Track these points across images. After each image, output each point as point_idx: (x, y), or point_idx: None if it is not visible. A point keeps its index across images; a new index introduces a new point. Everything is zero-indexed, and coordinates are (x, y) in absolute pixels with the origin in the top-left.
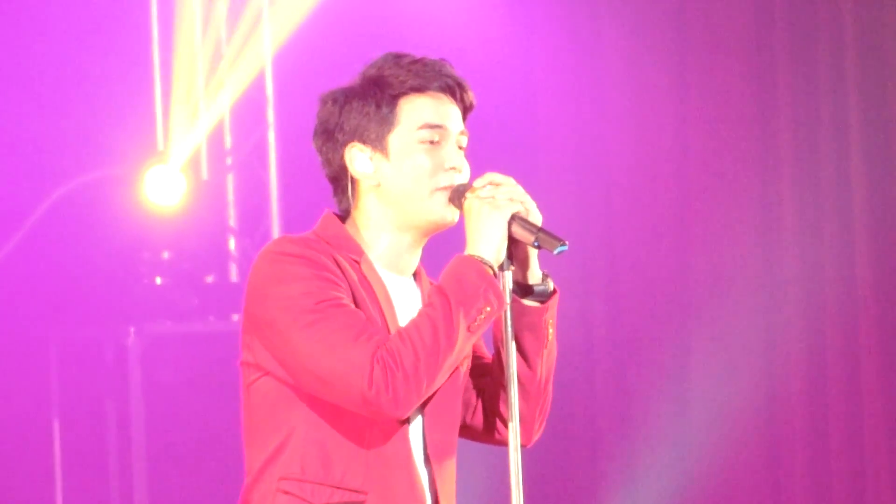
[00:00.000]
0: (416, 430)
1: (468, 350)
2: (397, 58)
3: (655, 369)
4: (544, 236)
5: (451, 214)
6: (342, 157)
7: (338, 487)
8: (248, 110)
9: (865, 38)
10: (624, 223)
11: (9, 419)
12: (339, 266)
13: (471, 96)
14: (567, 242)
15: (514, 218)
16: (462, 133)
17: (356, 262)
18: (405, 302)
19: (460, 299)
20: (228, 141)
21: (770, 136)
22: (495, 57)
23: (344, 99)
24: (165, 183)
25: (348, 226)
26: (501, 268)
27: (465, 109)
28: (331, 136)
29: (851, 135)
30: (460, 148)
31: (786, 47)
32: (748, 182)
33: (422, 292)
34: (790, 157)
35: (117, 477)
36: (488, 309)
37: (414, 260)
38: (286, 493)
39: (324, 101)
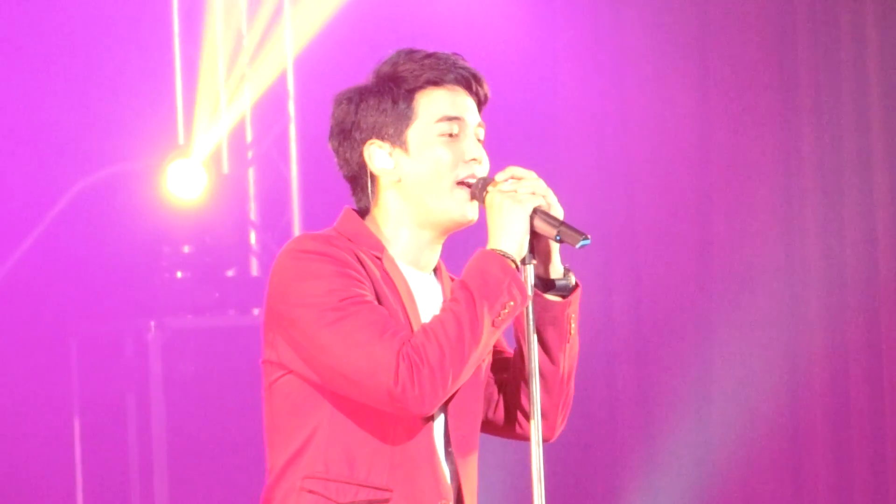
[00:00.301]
0: (438, 426)
1: (492, 345)
2: (410, 53)
3: (677, 365)
4: (566, 230)
5: (472, 212)
6: (361, 155)
7: (363, 485)
8: (270, 104)
9: (888, 31)
10: (645, 218)
11: (30, 413)
12: (361, 263)
13: (486, 88)
14: (589, 237)
15: (536, 212)
16: (479, 125)
17: (378, 258)
18: (427, 298)
19: (484, 293)
20: (249, 135)
21: (792, 132)
22: (517, 53)
23: (359, 97)
24: (187, 177)
25: (368, 222)
26: (524, 262)
27: (481, 101)
28: (348, 136)
29: (874, 131)
30: (478, 140)
31: (808, 43)
32: (770, 178)
33: (443, 288)
34: (812, 153)
35: (137, 471)
36: (512, 303)
37: (434, 256)
38: (310, 491)
39: (338, 101)
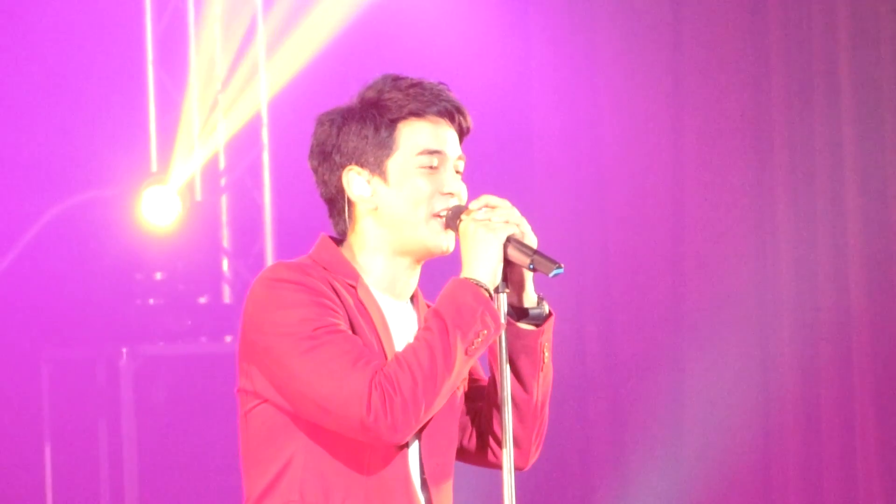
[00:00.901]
0: (413, 454)
1: (465, 373)
2: (396, 80)
3: (650, 390)
4: (540, 259)
5: (447, 242)
6: (339, 179)
7: None
8: (244, 132)
9: (860, 43)
10: (619, 242)
11: (0, 438)
12: (335, 291)
13: (468, 121)
14: (562, 265)
15: (510, 240)
16: (460, 158)
17: (353, 286)
18: (402, 326)
19: (457, 323)
20: (222, 162)
21: (764, 148)
22: (489, 77)
23: (342, 121)
24: (162, 204)
25: (344, 249)
26: (497, 290)
27: (462, 133)
28: (328, 157)
29: (845, 143)
30: (457, 172)
31: (780, 55)
32: (743, 197)
33: (419, 316)
34: (784, 170)
35: (108, 497)
36: (485, 332)
37: (410, 284)
38: None
39: (321, 122)
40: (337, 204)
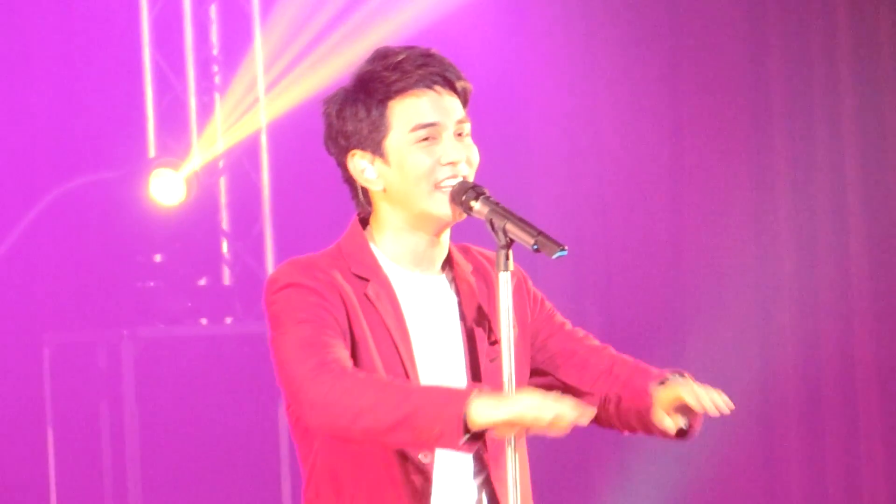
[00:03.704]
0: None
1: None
2: (384, 57)
3: None
4: (543, 240)
5: (455, 212)
6: (347, 165)
7: None
8: (240, 113)
9: (859, 42)
10: (618, 231)
11: (2, 422)
12: (339, 290)
13: (462, 83)
14: (566, 247)
15: (513, 218)
16: (461, 121)
17: (365, 281)
18: (431, 299)
19: (424, 420)
20: (220, 137)
21: (764, 144)
22: (487, 71)
23: (340, 104)
24: (167, 187)
25: (369, 231)
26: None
27: (461, 95)
28: (335, 142)
29: (846, 142)
30: (462, 135)
31: (779, 54)
32: (742, 190)
33: (458, 283)
34: (784, 164)
35: (111, 480)
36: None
37: (437, 253)
38: None
39: (324, 105)
40: (354, 188)
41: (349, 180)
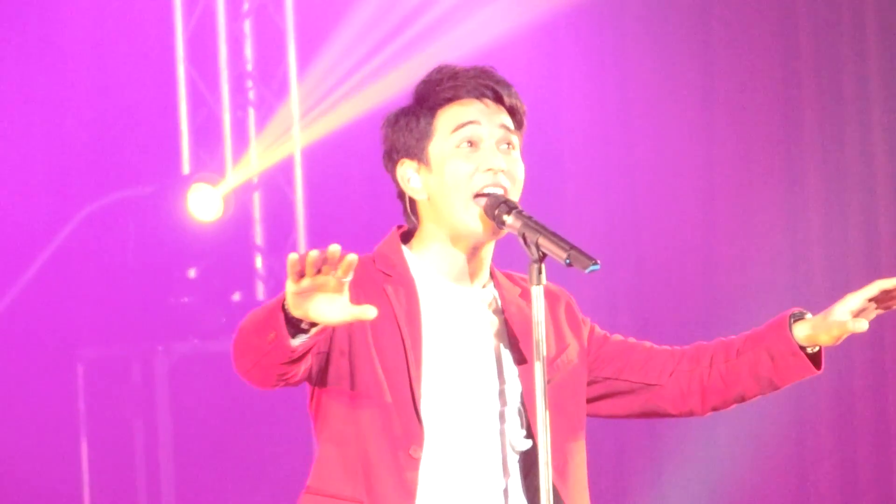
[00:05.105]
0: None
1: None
2: (439, 71)
3: None
4: (576, 254)
5: (489, 227)
6: (396, 176)
7: (336, 497)
8: (275, 128)
9: (889, 43)
10: (650, 245)
11: (37, 436)
12: (359, 286)
13: (513, 98)
14: (598, 262)
15: (545, 233)
16: (506, 133)
17: (388, 276)
18: (460, 310)
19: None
20: (254, 157)
21: (795, 147)
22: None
23: (395, 119)
24: (206, 201)
25: (411, 242)
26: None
27: (511, 111)
28: (390, 157)
29: (876, 143)
30: (510, 146)
31: (810, 55)
32: (775, 202)
33: (502, 299)
34: (816, 172)
35: (145, 494)
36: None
37: (477, 269)
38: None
39: (382, 125)
40: (404, 201)
41: (400, 194)
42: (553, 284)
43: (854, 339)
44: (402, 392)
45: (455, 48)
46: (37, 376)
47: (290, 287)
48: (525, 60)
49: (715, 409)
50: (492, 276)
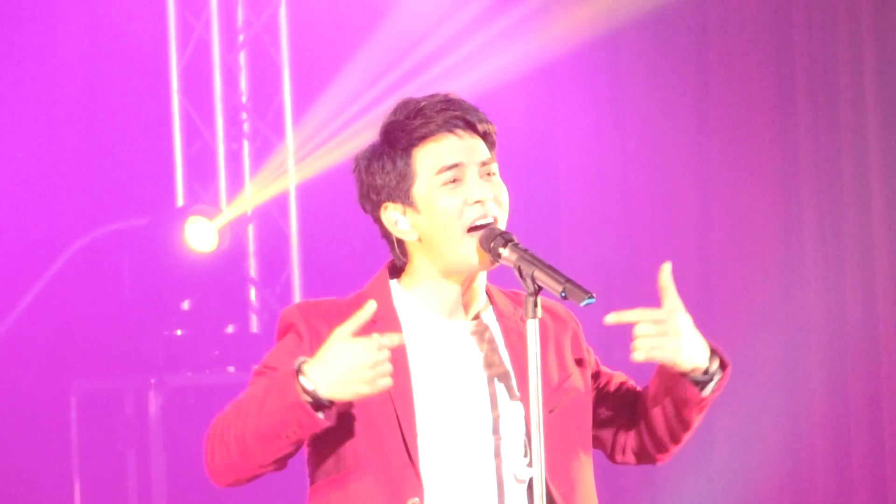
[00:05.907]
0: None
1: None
2: (404, 107)
3: None
4: (572, 287)
5: (484, 259)
6: (381, 219)
7: None
8: (268, 162)
9: (885, 55)
10: (646, 277)
11: (30, 469)
12: (322, 340)
13: (485, 125)
14: (594, 295)
15: (540, 265)
16: (486, 161)
17: (372, 323)
18: (451, 344)
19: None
20: (249, 191)
21: (790, 172)
22: (515, 113)
23: (368, 159)
24: (202, 233)
25: (401, 279)
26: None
27: (484, 137)
28: (368, 198)
29: (871, 158)
30: (490, 175)
31: (805, 83)
32: (770, 239)
33: (501, 329)
34: (810, 182)
35: None
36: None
37: (471, 300)
38: None
39: (355, 164)
40: (391, 241)
41: (386, 234)
42: (562, 307)
43: (850, 343)
44: (394, 449)
45: (453, 81)
46: (30, 408)
47: (368, 366)
48: (521, 106)
49: (659, 431)
50: (490, 299)
